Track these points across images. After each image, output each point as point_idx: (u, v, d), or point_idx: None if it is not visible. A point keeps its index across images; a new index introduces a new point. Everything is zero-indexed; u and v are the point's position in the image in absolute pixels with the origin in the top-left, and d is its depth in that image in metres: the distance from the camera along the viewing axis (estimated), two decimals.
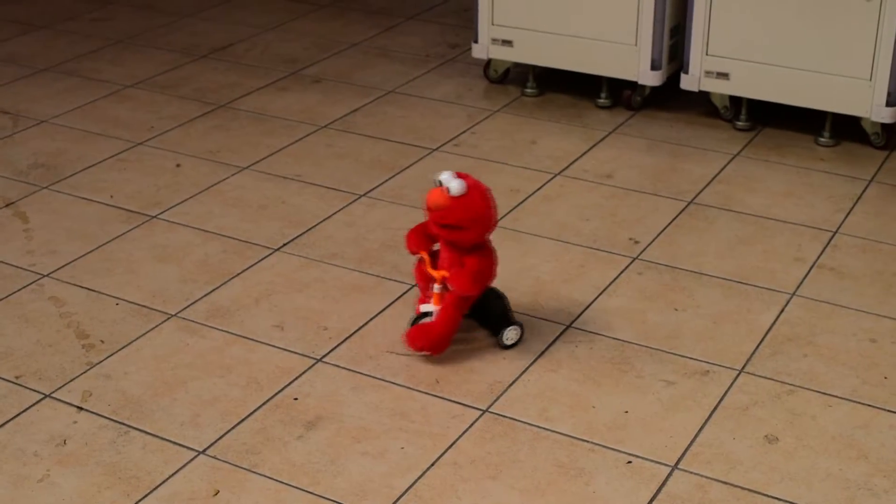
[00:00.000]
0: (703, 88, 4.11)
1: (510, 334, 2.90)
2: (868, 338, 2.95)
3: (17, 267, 3.31)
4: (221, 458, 2.55)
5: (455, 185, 2.71)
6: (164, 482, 2.48)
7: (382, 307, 3.09)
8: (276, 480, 2.48)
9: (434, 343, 2.83)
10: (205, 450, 2.57)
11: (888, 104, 3.81)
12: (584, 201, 3.65)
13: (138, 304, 3.12)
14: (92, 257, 3.35)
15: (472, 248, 2.80)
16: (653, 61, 4.14)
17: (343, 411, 2.69)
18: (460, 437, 2.61)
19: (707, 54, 4.04)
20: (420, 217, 3.54)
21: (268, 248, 3.39)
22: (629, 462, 2.53)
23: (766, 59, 3.95)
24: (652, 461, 2.53)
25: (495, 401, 2.72)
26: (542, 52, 4.32)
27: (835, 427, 2.63)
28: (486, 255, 2.82)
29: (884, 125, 3.93)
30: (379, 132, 4.16)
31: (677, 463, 2.52)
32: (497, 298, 2.91)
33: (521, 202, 3.64)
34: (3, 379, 2.82)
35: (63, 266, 3.30)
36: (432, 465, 2.52)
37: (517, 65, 4.50)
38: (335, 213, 3.59)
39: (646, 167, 3.89)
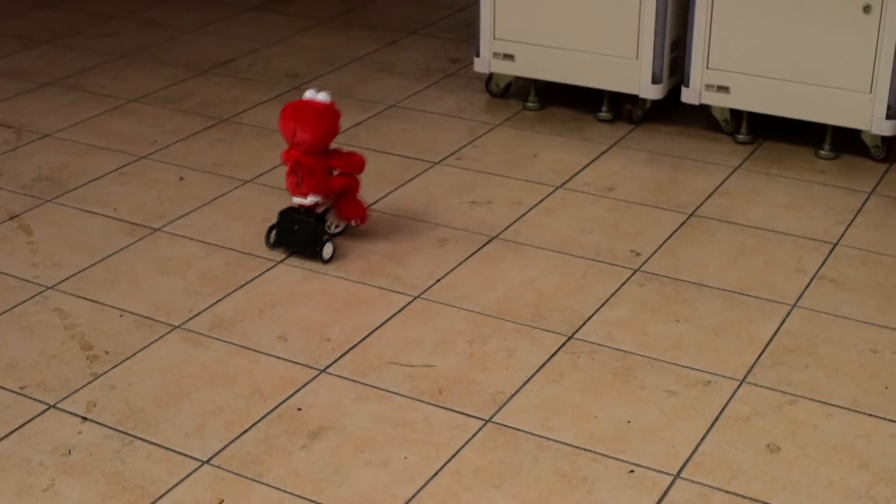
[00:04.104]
0: (703, 102, 4.13)
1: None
2: (868, 348, 2.96)
3: (22, 279, 3.32)
4: (225, 468, 2.55)
5: (307, 93, 3.36)
6: (168, 492, 2.49)
7: (385, 319, 3.10)
8: (280, 490, 2.49)
9: None
10: (209, 460, 2.58)
11: (888, 117, 3.83)
12: (585, 214, 3.67)
13: (142, 316, 3.13)
14: (96, 269, 3.37)
15: None
16: (654, 75, 4.16)
17: (346, 421, 2.70)
18: (463, 446, 2.62)
19: (708, 68, 4.06)
20: (422, 227, 3.57)
21: (271, 259, 3.40)
22: (631, 471, 2.54)
23: (767, 72, 3.97)
24: (654, 470, 2.54)
25: (498, 411, 2.74)
26: (543, 66, 4.34)
27: (836, 437, 2.64)
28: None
29: (884, 138, 3.94)
30: (381, 146, 4.18)
31: (679, 472, 2.53)
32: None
33: (523, 215, 3.66)
34: (8, 390, 2.83)
35: (67, 278, 3.32)
36: (435, 474, 2.53)
37: (518, 79, 4.52)
38: None
39: (647, 180, 3.91)
